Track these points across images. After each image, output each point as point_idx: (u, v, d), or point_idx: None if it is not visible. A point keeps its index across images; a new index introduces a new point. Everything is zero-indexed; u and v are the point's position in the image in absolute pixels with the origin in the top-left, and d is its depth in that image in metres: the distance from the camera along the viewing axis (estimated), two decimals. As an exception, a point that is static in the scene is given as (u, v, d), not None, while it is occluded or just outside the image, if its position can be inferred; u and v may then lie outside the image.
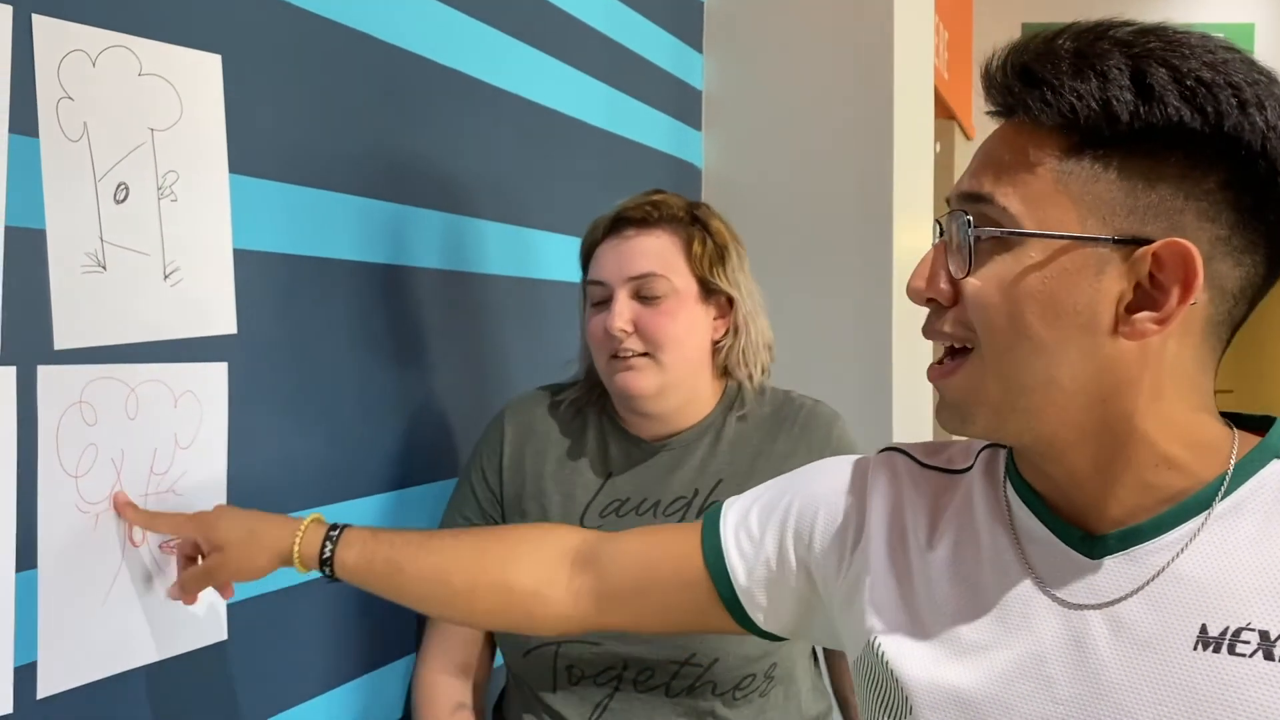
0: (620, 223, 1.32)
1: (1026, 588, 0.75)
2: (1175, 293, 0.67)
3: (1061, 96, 0.67)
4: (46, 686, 0.92)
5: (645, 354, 1.27)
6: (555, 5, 1.72)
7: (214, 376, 1.08)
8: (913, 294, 0.75)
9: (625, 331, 1.27)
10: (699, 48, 2.29)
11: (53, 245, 0.92)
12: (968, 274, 0.72)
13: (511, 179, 1.61)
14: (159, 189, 1.02)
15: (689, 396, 1.33)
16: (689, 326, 1.30)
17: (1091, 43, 0.68)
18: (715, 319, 1.34)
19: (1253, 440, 0.73)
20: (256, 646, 1.14)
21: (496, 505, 1.36)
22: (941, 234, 0.75)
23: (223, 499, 1.09)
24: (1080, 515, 0.75)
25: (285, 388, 1.18)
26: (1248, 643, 0.67)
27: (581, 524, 1.31)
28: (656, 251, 1.29)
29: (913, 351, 2.30)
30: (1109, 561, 0.73)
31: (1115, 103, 0.66)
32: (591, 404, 1.38)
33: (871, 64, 2.17)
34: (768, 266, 2.23)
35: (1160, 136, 0.67)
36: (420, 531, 1.04)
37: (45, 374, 0.92)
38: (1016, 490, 0.79)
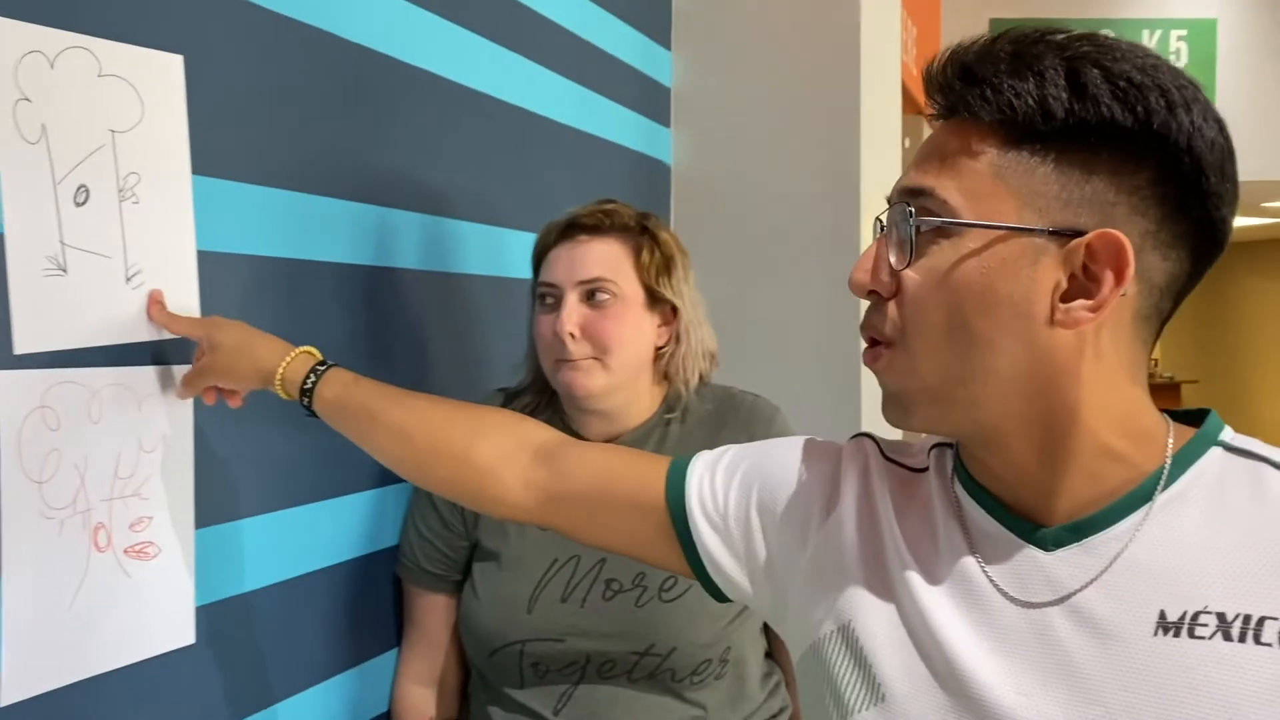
0: (572, 228, 1.36)
1: (984, 586, 0.76)
2: (1108, 280, 0.70)
3: (1000, 93, 0.71)
4: (11, 693, 0.91)
5: (592, 357, 1.31)
6: (522, 3, 1.71)
7: (179, 379, 1.07)
8: (854, 286, 0.77)
9: (573, 335, 1.31)
10: (668, 45, 2.29)
11: (11, 249, 0.91)
12: (908, 265, 0.74)
13: (482, 178, 1.61)
14: (120, 191, 1.02)
15: (631, 396, 1.37)
16: (634, 331, 1.35)
17: (1029, 45, 0.72)
18: (659, 326, 1.39)
19: (1188, 432, 0.76)
20: (225, 650, 1.14)
21: (455, 510, 1.37)
22: (882, 229, 0.77)
23: (190, 503, 1.08)
24: (1029, 509, 0.77)
25: (251, 391, 1.17)
26: (1206, 625, 0.69)
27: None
28: (606, 258, 1.34)
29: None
30: (1063, 553, 0.75)
31: (1051, 100, 0.70)
32: (542, 408, 1.41)
33: (838, 60, 2.18)
34: (737, 261, 2.25)
35: (1094, 133, 0.70)
36: (398, 389, 1.07)
37: (5, 379, 0.91)
38: (966, 488, 0.81)
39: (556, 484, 0.98)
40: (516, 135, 1.70)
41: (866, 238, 2.17)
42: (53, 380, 0.95)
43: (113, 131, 1.01)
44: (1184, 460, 0.74)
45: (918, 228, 0.74)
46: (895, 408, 0.78)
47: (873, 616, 0.80)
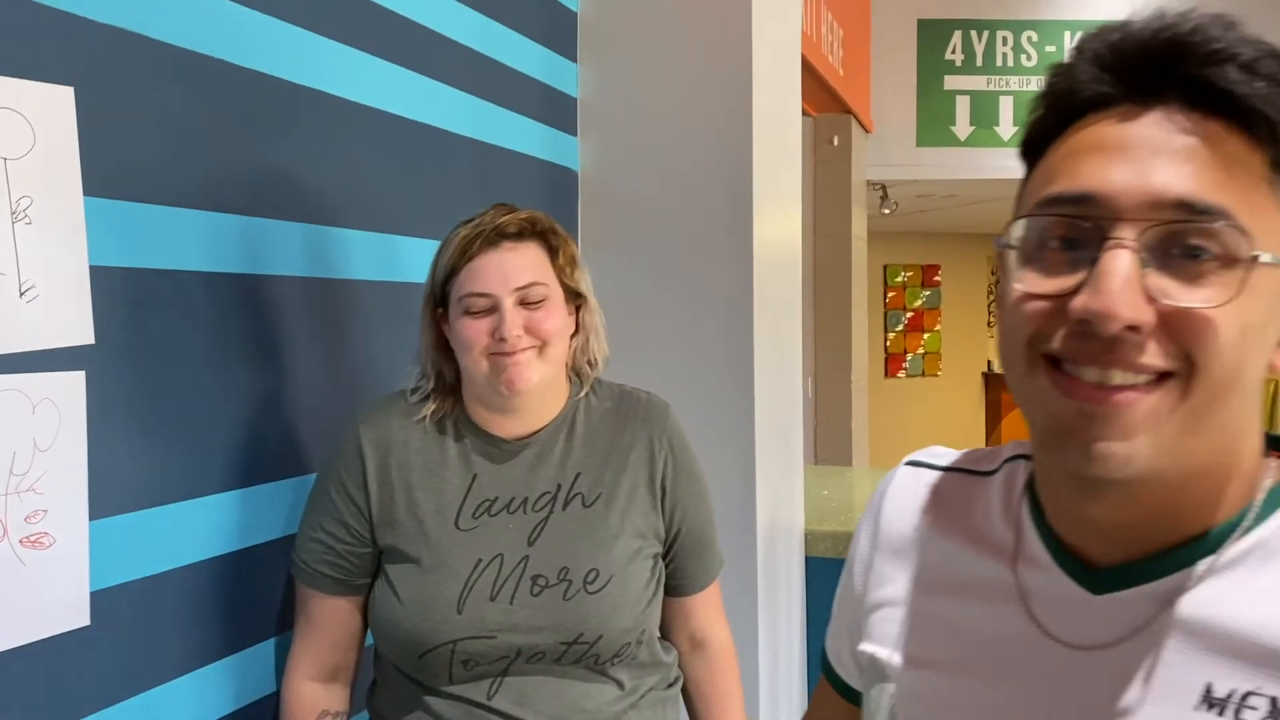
0: (500, 237, 1.40)
1: (1022, 621, 0.70)
2: None
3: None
4: (-92, 671, 1.00)
5: (532, 348, 1.39)
6: (417, 22, 1.81)
7: (72, 384, 1.17)
8: (1108, 320, 0.58)
9: (518, 336, 1.37)
10: (574, 57, 2.39)
11: (-95, 269, 1.00)
12: (1230, 300, 0.58)
13: (372, 188, 1.70)
14: (13, 213, 1.11)
15: (556, 388, 1.47)
16: (564, 324, 1.44)
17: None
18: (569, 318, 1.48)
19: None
20: (118, 632, 1.23)
21: (363, 519, 1.42)
22: (1137, 247, 0.59)
23: (84, 497, 1.18)
24: (1083, 546, 0.68)
25: (142, 392, 1.26)
26: (1255, 709, 0.60)
27: (456, 526, 1.40)
28: (535, 262, 1.41)
29: (774, 345, 2.42)
30: (1113, 597, 0.66)
31: None
32: (447, 409, 1.47)
33: (731, 67, 2.28)
34: (641, 263, 2.35)
35: None
36: None
37: (-98, 387, 1.00)
38: (1030, 510, 0.73)
39: None
40: (408, 147, 1.80)
41: (759, 234, 2.29)
42: (-52, 387, 1.04)
43: (4, 159, 1.10)
44: (1272, 504, 0.64)
45: (1254, 258, 0.58)
46: (1124, 450, 0.60)
47: (895, 649, 0.77)
